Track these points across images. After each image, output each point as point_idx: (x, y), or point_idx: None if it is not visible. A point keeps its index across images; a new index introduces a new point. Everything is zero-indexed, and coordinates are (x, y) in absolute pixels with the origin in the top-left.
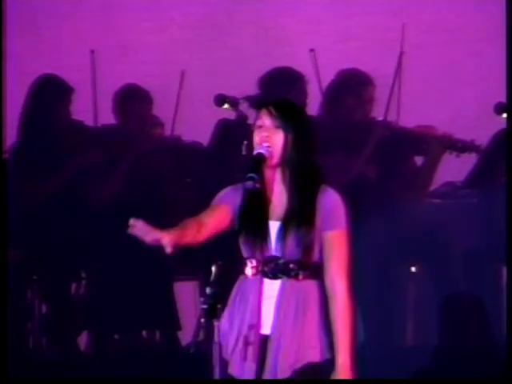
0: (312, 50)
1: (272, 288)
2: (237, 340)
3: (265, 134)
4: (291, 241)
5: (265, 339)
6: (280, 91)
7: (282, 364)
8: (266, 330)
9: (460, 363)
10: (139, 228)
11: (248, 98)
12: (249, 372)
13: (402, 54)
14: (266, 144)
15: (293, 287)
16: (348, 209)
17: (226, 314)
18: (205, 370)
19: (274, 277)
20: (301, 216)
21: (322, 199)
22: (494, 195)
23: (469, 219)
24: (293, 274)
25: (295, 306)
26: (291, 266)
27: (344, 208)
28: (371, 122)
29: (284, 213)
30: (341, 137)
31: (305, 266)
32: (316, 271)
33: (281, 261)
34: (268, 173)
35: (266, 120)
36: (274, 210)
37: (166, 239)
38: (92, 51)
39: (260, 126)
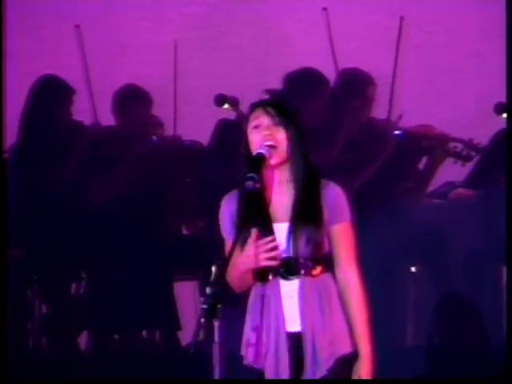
0: (325, 9)
1: (290, 288)
2: (267, 346)
3: (266, 132)
4: (301, 240)
5: (294, 337)
6: (304, 91)
7: (319, 362)
8: (292, 327)
9: (460, 363)
10: None
11: (269, 92)
12: (285, 375)
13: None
14: (269, 142)
15: (312, 284)
16: (350, 200)
17: (247, 325)
18: (205, 370)
19: (289, 277)
20: (308, 214)
21: (326, 194)
22: (493, 195)
23: (469, 219)
24: (308, 270)
25: (319, 302)
26: (305, 263)
27: (347, 200)
28: (376, 122)
29: (290, 213)
30: (347, 138)
31: (318, 260)
32: (329, 263)
33: (294, 260)
34: (266, 173)
35: (263, 119)
36: (276, 211)
37: None
38: (77, 26)
39: (257, 126)
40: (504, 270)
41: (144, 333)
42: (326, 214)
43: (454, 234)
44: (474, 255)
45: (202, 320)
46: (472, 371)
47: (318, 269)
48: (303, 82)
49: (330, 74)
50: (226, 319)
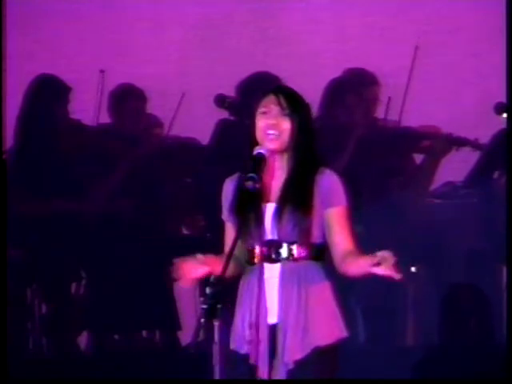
0: None
1: (273, 272)
2: (250, 330)
3: (272, 121)
4: (287, 222)
5: (272, 328)
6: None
7: (288, 354)
8: (272, 318)
9: (460, 363)
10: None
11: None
12: (263, 360)
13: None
14: (272, 131)
15: (293, 269)
16: (346, 188)
17: (237, 308)
18: (205, 370)
19: (272, 260)
20: (297, 197)
21: (321, 180)
22: (494, 195)
23: (469, 219)
24: (291, 256)
25: (297, 291)
26: (289, 248)
27: (343, 187)
28: (375, 121)
29: (280, 194)
30: (340, 137)
31: (302, 245)
32: (316, 253)
33: (278, 243)
34: (269, 158)
35: (273, 107)
36: (268, 192)
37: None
38: (102, 71)
39: (265, 113)
40: (504, 270)
41: (144, 333)
42: (319, 199)
43: (454, 234)
44: (475, 255)
45: (202, 320)
46: (472, 371)
47: (300, 255)
48: (256, 87)
49: (328, 77)
50: (226, 319)
